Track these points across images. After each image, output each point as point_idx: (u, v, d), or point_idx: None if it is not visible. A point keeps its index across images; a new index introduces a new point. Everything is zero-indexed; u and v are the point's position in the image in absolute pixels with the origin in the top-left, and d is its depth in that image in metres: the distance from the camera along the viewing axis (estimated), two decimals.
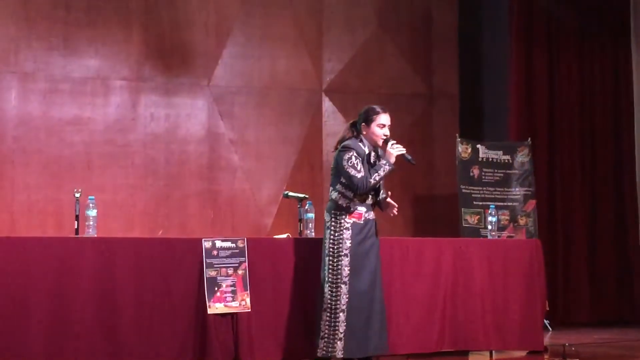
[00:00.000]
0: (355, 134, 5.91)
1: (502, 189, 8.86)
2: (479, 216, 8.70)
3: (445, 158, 9.57)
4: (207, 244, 5.90)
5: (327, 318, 5.76)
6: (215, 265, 5.88)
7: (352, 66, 9.70)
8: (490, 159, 8.87)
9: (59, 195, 8.47)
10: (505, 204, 8.77)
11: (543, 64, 9.63)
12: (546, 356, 6.74)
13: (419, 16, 10.01)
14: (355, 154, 5.78)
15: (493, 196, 8.79)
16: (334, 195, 5.85)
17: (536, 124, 9.53)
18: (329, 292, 5.76)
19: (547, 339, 7.70)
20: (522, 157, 8.94)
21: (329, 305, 5.75)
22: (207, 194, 9.11)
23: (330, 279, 5.77)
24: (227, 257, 5.92)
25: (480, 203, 8.69)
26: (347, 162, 5.76)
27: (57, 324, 5.62)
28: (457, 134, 9.12)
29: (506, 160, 8.94)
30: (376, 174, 5.78)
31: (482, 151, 8.89)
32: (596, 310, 9.41)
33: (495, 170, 8.90)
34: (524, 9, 9.64)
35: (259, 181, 9.29)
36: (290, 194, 6.78)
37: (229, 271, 5.91)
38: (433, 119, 9.94)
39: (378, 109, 5.90)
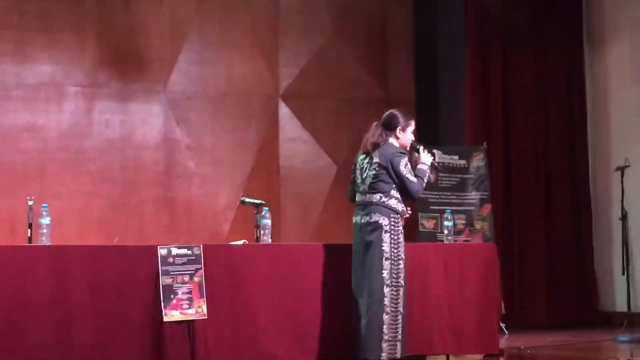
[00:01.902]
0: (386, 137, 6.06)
1: (459, 194, 8.90)
2: (435, 221, 8.73)
3: None
4: (162, 252, 5.86)
5: (391, 321, 5.88)
6: (171, 273, 5.85)
7: (309, 71, 9.70)
8: (447, 164, 8.91)
9: (12, 202, 8.34)
10: (461, 208, 8.80)
11: (498, 68, 9.70)
12: (502, 359, 6.78)
13: (374, 21, 10.04)
14: (408, 159, 6.04)
15: (449, 201, 8.82)
16: (391, 201, 5.96)
17: (492, 128, 9.59)
18: (391, 295, 5.89)
19: (503, 342, 7.74)
20: (478, 161, 8.99)
21: (393, 309, 5.89)
22: (164, 201, 9.06)
23: (393, 283, 5.90)
24: (183, 264, 5.88)
25: (437, 207, 8.72)
26: (405, 167, 5.97)
27: (10, 334, 5.54)
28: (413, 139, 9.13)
29: (462, 165, 8.98)
30: (425, 177, 6.09)
31: (439, 156, 8.91)
32: (552, 313, 9.47)
33: (452, 175, 8.93)
34: (479, 14, 9.69)
35: (215, 187, 9.25)
36: (247, 200, 6.75)
37: (185, 278, 5.88)
38: None
39: (409, 115, 6.20)
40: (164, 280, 5.81)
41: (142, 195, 8.97)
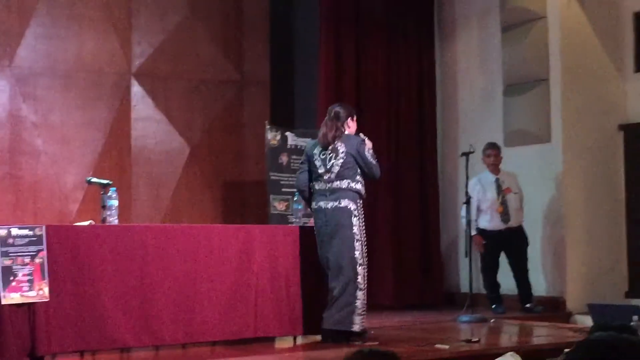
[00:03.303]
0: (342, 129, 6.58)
1: None
2: (287, 203, 8.79)
3: (255, 145, 9.62)
4: (1, 232, 5.66)
5: (363, 297, 6.44)
6: (10, 254, 5.65)
7: (163, 50, 9.56)
8: (299, 147, 8.95)
9: None
10: None
11: (351, 54, 9.79)
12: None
13: (230, 2, 9.98)
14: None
15: None
16: (358, 185, 6.52)
17: None
18: (363, 273, 6.43)
19: None
20: None
21: (363, 285, 6.43)
22: (9, 179, 8.75)
23: (365, 262, 6.43)
24: (23, 245, 5.70)
25: (289, 190, 8.77)
26: (368, 152, 6.54)
27: None
28: (266, 121, 9.15)
29: None
30: (376, 159, 6.58)
31: (291, 138, 8.97)
32: (400, 294, 9.69)
33: None
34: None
35: (64, 166, 9.00)
36: (93, 180, 6.63)
37: (25, 260, 5.70)
38: (244, 106, 9.96)
39: (350, 105, 6.96)
40: (3, 261, 5.62)
41: None
